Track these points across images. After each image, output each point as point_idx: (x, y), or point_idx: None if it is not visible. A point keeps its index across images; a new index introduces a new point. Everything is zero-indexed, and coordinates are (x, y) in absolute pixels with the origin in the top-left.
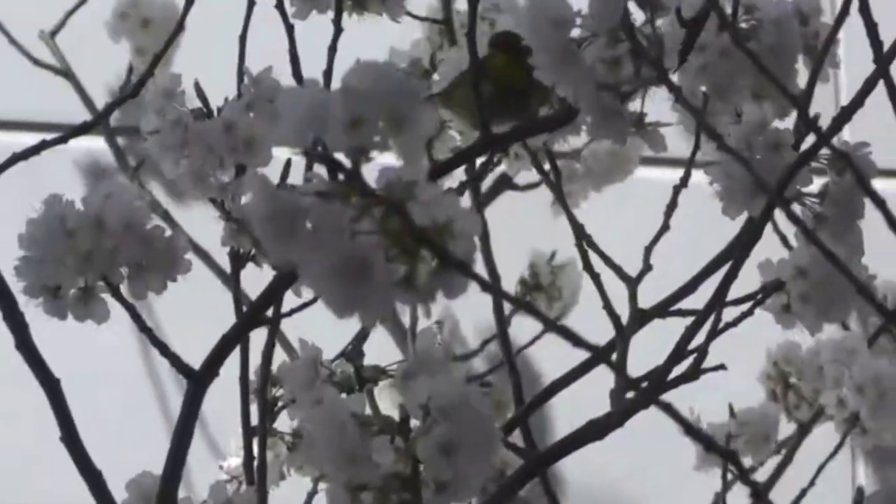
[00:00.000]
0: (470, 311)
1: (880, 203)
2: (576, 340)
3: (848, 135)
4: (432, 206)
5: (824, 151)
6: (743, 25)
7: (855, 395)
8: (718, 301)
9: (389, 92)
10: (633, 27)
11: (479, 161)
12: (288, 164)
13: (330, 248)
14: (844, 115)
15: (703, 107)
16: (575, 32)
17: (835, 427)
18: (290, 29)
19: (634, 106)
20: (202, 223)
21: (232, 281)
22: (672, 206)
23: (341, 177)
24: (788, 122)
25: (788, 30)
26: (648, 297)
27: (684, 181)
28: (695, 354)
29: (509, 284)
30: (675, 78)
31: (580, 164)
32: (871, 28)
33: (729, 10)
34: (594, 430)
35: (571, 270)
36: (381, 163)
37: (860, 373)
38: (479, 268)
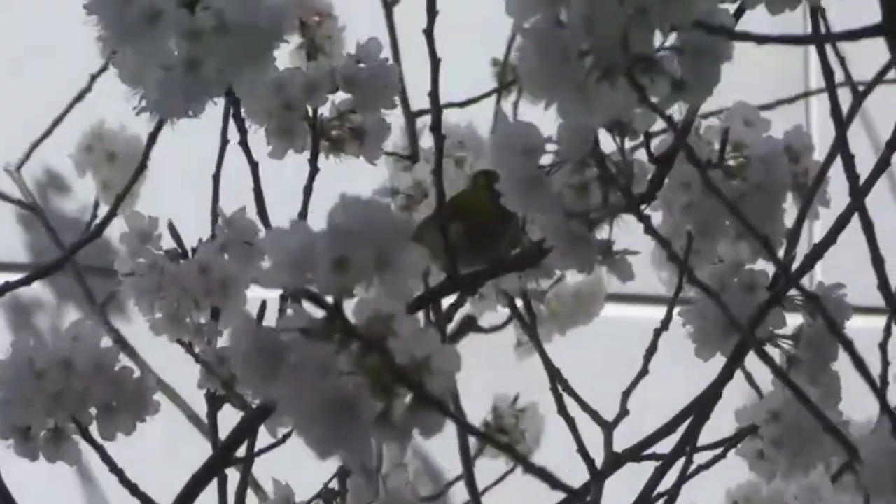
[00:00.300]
0: (436, 451)
1: (847, 345)
2: (552, 482)
3: (820, 273)
4: (411, 342)
5: (798, 291)
6: (731, 162)
7: None
8: (689, 444)
9: (377, 231)
10: (602, 154)
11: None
12: (263, 305)
13: (313, 387)
14: (816, 254)
15: (687, 246)
16: (544, 158)
17: None
18: (254, 167)
19: (603, 234)
20: (175, 361)
21: (208, 421)
22: (652, 350)
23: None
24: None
25: (777, 167)
26: (621, 433)
27: (665, 324)
28: (665, 497)
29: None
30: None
31: (544, 306)
32: (848, 161)
33: (717, 147)
34: None
35: (534, 414)
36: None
37: None
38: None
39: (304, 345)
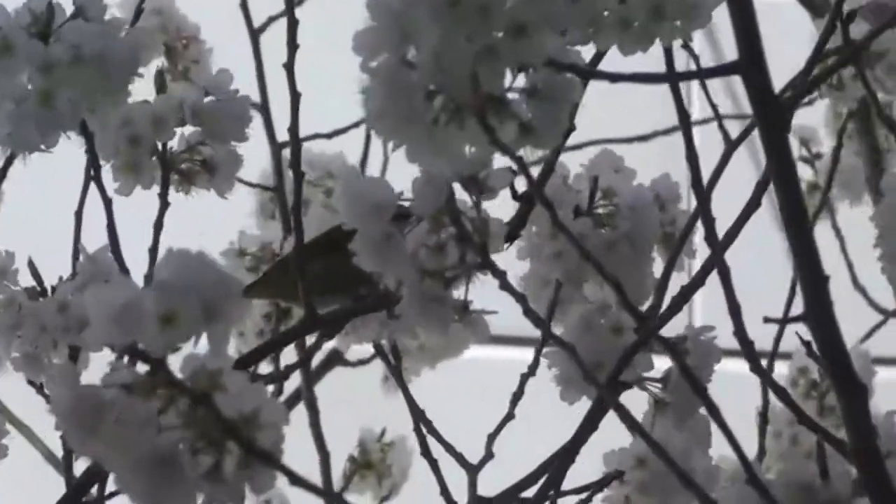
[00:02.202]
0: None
1: (701, 391)
2: None
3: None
4: (238, 396)
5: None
6: (600, 210)
7: None
8: (553, 488)
9: (203, 285)
10: (457, 211)
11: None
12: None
13: (134, 443)
14: (685, 296)
15: (556, 293)
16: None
17: None
18: (108, 203)
19: (459, 292)
20: (34, 399)
21: (63, 461)
22: (518, 395)
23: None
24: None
25: (645, 217)
26: (495, 480)
27: (533, 369)
28: None
29: (338, 460)
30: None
31: (413, 340)
32: (704, 206)
33: (585, 193)
34: None
35: (401, 448)
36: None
37: None
38: (309, 445)
39: (127, 400)
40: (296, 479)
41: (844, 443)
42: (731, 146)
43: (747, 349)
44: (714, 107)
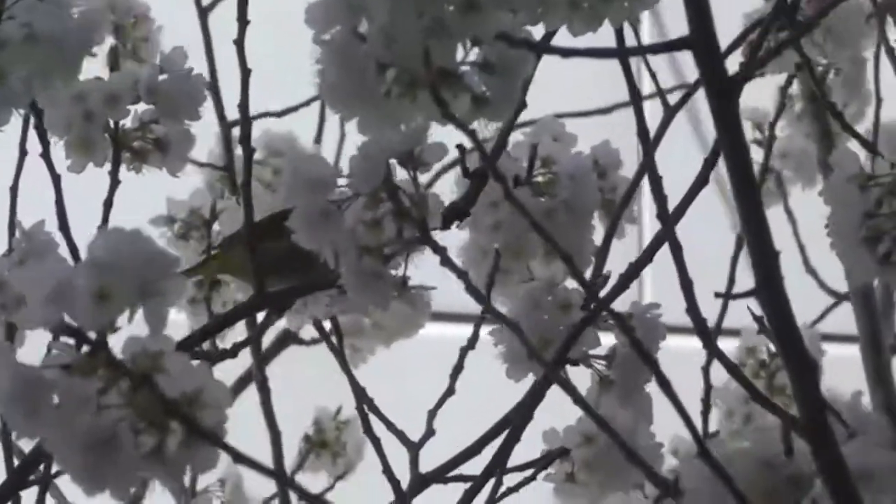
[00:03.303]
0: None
1: (653, 364)
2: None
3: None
4: (180, 376)
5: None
6: (539, 179)
7: None
8: (499, 466)
9: (137, 262)
10: (395, 187)
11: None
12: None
13: (75, 424)
14: (634, 271)
15: (494, 265)
16: (337, 192)
17: None
18: (56, 179)
19: (398, 269)
20: None
21: (2, 442)
22: (458, 369)
23: (86, 348)
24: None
25: (585, 184)
26: (431, 456)
27: (472, 343)
28: None
29: (295, 440)
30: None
31: (368, 318)
32: (656, 184)
33: (525, 163)
34: None
35: (356, 427)
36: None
37: None
38: (260, 424)
39: (67, 381)
40: (239, 458)
41: (797, 419)
42: (670, 112)
43: (700, 326)
44: (655, 79)
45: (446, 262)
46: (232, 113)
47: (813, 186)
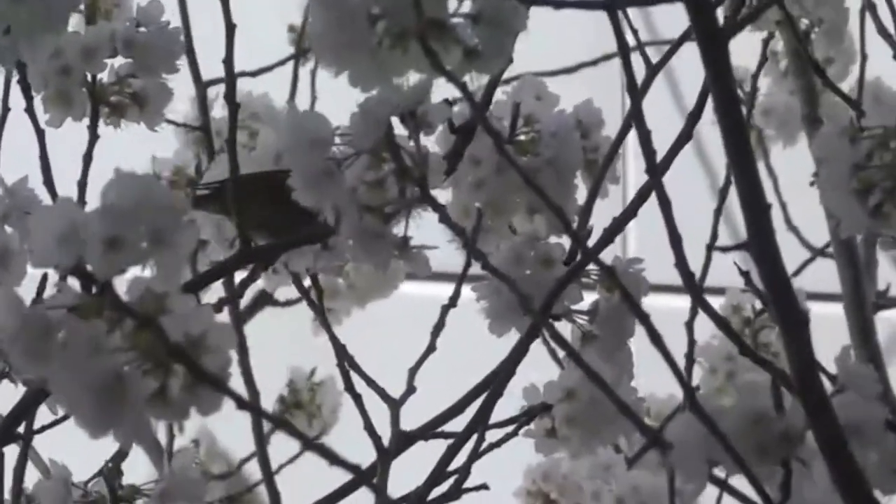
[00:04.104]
0: (229, 429)
1: (643, 318)
2: (334, 460)
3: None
4: (185, 319)
5: (595, 266)
6: (522, 137)
7: None
8: (481, 422)
9: (151, 210)
10: (396, 146)
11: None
12: (44, 279)
13: (82, 365)
14: (618, 226)
15: (477, 222)
16: (337, 151)
17: None
18: (40, 134)
19: (399, 228)
20: None
21: None
22: (439, 326)
23: (93, 290)
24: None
25: (568, 143)
26: (415, 415)
27: (454, 300)
28: (456, 476)
29: (268, 401)
30: (447, 193)
31: (343, 279)
32: (644, 136)
33: (507, 122)
34: None
35: (331, 388)
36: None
37: (619, 485)
38: (238, 384)
39: (73, 322)
40: (243, 404)
41: (786, 373)
42: (653, 69)
43: (688, 279)
44: (637, 36)
45: (446, 219)
46: (207, 72)
47: (795, 144)
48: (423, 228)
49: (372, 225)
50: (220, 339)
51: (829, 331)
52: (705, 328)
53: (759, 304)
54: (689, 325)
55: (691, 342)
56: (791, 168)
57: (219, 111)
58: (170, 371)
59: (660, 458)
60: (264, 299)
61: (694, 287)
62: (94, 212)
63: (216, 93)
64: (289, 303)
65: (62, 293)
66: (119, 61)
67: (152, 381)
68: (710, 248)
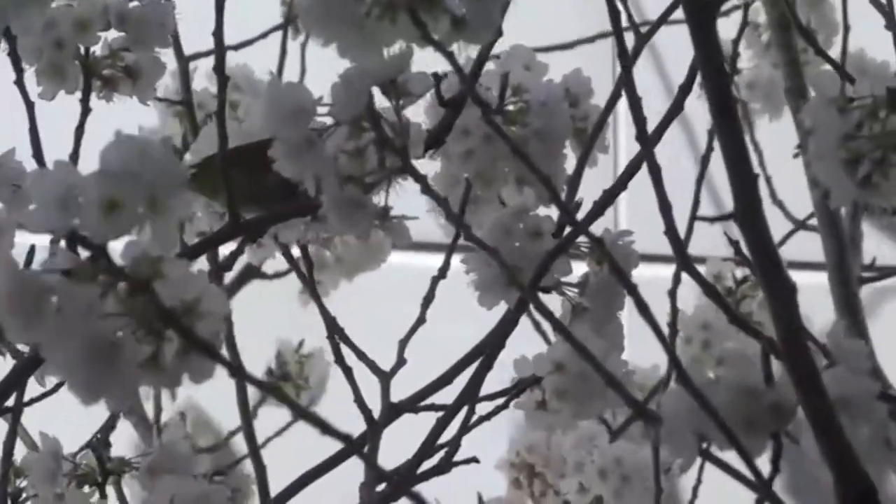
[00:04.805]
0: (216, 401)
1: (632, 289)
2: (325, 429)
3: (624, 220)
4: (179, 284)
5: (585, 239)
6: (510, 108)
7: (598, 479)
8: (471, 395)
9: (151, 172)
10: (377, 115)
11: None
12: (31, 250)
13: (75, 330)
14: (608, 198)
15: (465, 193)
16: (319, 121)
17: None
18: (30, 107)
19: (379, 198)
20: None
21: None
22: (429, 298)
23: (87, 254)
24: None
25: (557, 113)
26: (405, 387)
27: (443, 272)
28: (446, 448)
29: (256, 374)
30: (435, 163)
31: (330, 252)
32: (635, 103)
33: (496, 92)
34: None
35: (319, 359)
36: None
37: (602, 457)
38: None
39: (67, 286)
40: (234, 371)
41: (774, 342)
42: (641, 39)
43: (678, 247)
44: (626, 4)
45: (427, 190)
46: (188, 46)
47: (780, 117)
48: (409, 199)
49: (352, 195)
50: (213, 305)
51: (810, 300)
52: (688, 298)
53: (740, 274)
54: (672, 294)
55: (674, 311)
56: (777, 141)
57: (199, 84)
58: (163, 337)
59: (644, 431)
60: (251, 272)
61: (683, 255)
62: (92, 175)
63: (195, 67)
64: (276, 275)
65: (57, 257)
66: (112, 35)
67: (146, 347)
68: (700, 218)
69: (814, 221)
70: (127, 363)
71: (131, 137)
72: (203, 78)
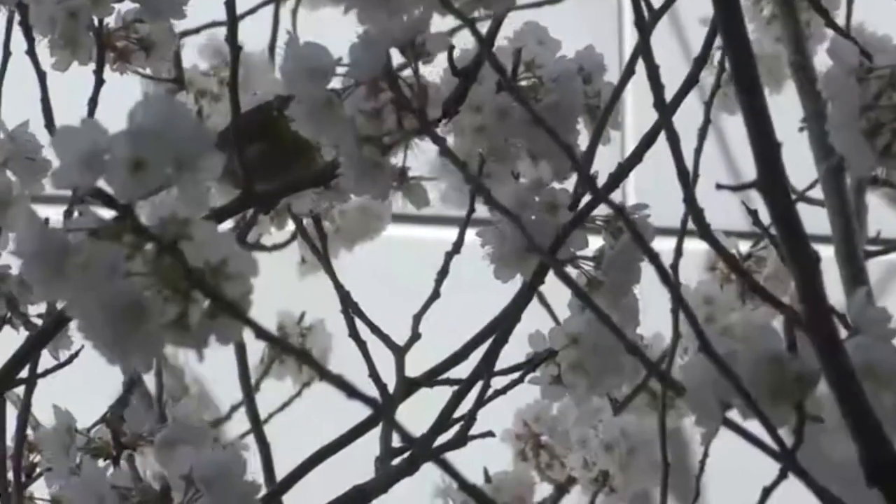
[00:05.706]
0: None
1: (654, 257)
2: (352, 392)
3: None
4: (206, 245)
5: (600, 213)
6: (523, 83)
7: (603, 453)
8: (486, 369)
9: (178, 133)
10: (395, 76)
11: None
12: (45, 222)
13: (101, 288)
14: (623, 171)
15: (479, 169)
16: (337, 82)
17: (581, 489)
18: (41, 76)
19: (397, 159)
20: None
21: None
22: (443, 273)
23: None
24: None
25: (570, 89)
26: (421, 361)
27: (457, 246)
28: (462, 422)
29: (256, 347)
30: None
31: (328, 222)
32: (653, 71)
33: (509, 67)
34: (358, 497)
35: (321, 332)
36: None
37: (607, 431)
38: None
39: (93, 245)
40: (261, 333)
41: (797, 312)
42: (655, 14)
43: (696, 215)
44: None
45: (445, 152)
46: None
47: (781, 92)
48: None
49: (370, 155)
50: (241, 266)
51: None
52: (691, 272)
53: (744, 248)
54: (675, 268)
55: (677, 284)
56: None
57: (188, 62)
58: (190, 298)
59: (650, 402)
60: (252, 245)
61: (704, 225)
62: (120, 133)
63: (184, 43)
64: (276, 247)
65: (83, 216)
66: (126, 6)
67: (173, 307)
68: (720, 186)
69: (812, 194)
70: (153, 323)
71: (159, 98)
72: (194, 55)
